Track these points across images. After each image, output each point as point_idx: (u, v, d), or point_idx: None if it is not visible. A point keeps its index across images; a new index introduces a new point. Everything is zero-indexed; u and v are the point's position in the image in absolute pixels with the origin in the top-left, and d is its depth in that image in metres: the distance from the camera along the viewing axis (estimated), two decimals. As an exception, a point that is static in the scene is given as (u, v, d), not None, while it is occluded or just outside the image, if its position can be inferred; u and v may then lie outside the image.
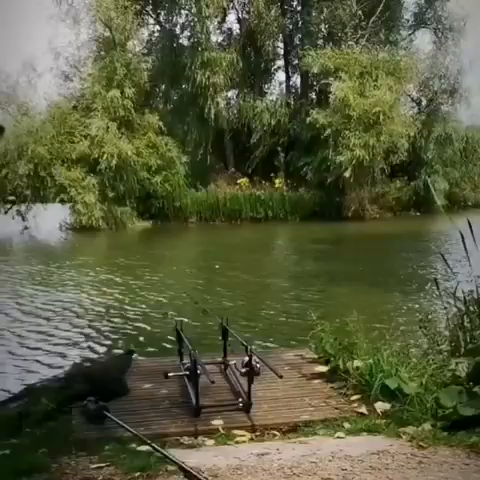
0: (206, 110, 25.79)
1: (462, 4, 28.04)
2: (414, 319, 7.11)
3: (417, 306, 8.59)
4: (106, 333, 7.92)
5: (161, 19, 29.03)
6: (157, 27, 29.26)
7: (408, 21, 30.49)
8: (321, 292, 10.49)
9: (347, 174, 23.89)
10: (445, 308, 4.73)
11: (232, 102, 29.29)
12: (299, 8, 29.66)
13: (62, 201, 23.81)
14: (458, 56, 27.96)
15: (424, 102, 28.53)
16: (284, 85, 30.54)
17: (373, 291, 10.31)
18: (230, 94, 29.13)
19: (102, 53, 25.47)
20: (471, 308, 4.43)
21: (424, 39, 29.66)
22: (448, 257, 4.95)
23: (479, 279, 4.51)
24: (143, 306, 9.45)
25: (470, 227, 4.61)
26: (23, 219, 24.53)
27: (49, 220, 23.41)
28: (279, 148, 27.92)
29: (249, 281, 12.02)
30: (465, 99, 28.12)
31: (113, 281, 11.91)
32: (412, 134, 24.94)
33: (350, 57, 25.02)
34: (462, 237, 4.64)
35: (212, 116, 25.95)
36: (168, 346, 6.48)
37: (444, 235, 17.73)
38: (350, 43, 26.25)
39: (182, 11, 27.96)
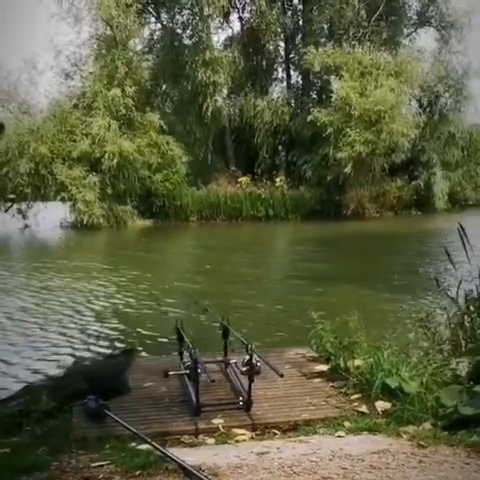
0: (204, 108, 25.78)
1: (466, 1, 27.61)
2: (406, 320, 7.06)
3: (414, 307, 8.40)
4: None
5: (162, 18, 29.04)
6: (158, 26, 29.28)
7: (411, 19, 30.34)
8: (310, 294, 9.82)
9: (347, 170, 23.89)
10: (445, 308, 4.72)
11: (234, 101, 29.27)
12: (300, 7, 29.65)
13: (63, 199, 23.87)
14: (463, 54, 27.85)
15: (426, 101, 28.40)
16: (285, 83, 30.55)
17: (364, 291, 10.01)
18: (232, 93, 29.14)
19: (103, 51, 25.46)
20: (471, 307, 4.43)
21: (428, 38, 29.41)
22: (445, 257, 4.90)
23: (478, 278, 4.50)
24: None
25: (461, 231, 4.58)
26: (23, 217, 24.60)
27: (50, 218, 23.43)
28: (280, 147, 27.90)
29: (219, 289, 10.69)
30: (470, 98, 27.96)
31: (60, 287, 11.23)
32: (413, 135, 24.86)
33: (351, 56, 25.02)
34: (461, 238, 4.62)
35: (212, 115, 25.94)
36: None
37: (443, 235, 17.67)
38: (352, 42, 26.22)
39: (183, 10, 27.96)
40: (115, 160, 22.89)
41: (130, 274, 12.77)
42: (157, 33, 29.33)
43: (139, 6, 25.62)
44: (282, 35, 29.58)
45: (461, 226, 4.66)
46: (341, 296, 9.62)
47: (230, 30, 29.96)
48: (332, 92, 24.85)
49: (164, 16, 28.98)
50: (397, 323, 7.32)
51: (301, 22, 29.40)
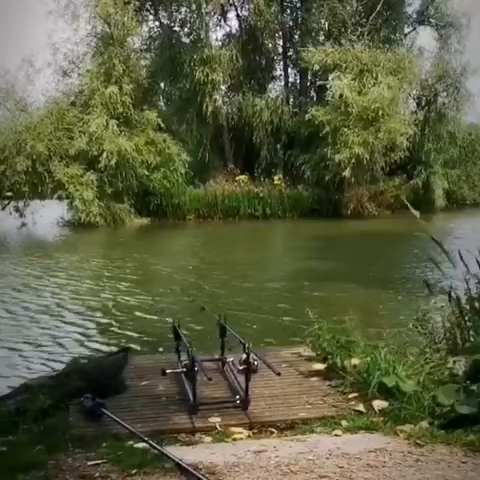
0: (204, 107, 25.76)
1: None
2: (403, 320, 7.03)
3: (411, 306, 8.29)
4: None
5: (160, 15, 28.97)
6: (156, 23, 29.20)
7: (409, 17, 30.28)
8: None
9: (347, 173, 23.90)
10: (441, 306, 4.72)
11: (232, 99, 29.23)
12: (299, 5, 29.62)
13: (60, 197, 23.82)
14: (462, 53, 27.76)
15: (425, 100, 28.36)
16: (283, 82, 30.52)
17: (358, 290, 9.98)
18: (230, 91, 29.10)
19: (101, 49, 25.39)
20: (468, 306, 4.44)
21: (427, 37, 29.37)
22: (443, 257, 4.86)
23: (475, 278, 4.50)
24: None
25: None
26: (21, 215, 24.55)
27: (48, 217, 23.38)
28: (278, 145, 27.89)
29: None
30: (468, 98, 27.89)
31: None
32: (411, 132, 24.86)
33: (349, 54, 24.98)
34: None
35: (210, 113, 25.91)
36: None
37: (440, 234, 17.59)
38: (350, 40, 26.17)
39: (181, 7, 27.90)
40: (114, 159, 22.83)
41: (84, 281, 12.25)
42: (155, 31, 29.29)
43: (137, 3, 25.49)
44: (280, 33, 29.54)
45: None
46: (334, 296, 9.55)
47: (228, 28, 29.94)
48: (329, 90, 24.79)
49: (162, 14, 28.92)
50: (393, 322, 7.33)
51: (299, 20, 29.35)
